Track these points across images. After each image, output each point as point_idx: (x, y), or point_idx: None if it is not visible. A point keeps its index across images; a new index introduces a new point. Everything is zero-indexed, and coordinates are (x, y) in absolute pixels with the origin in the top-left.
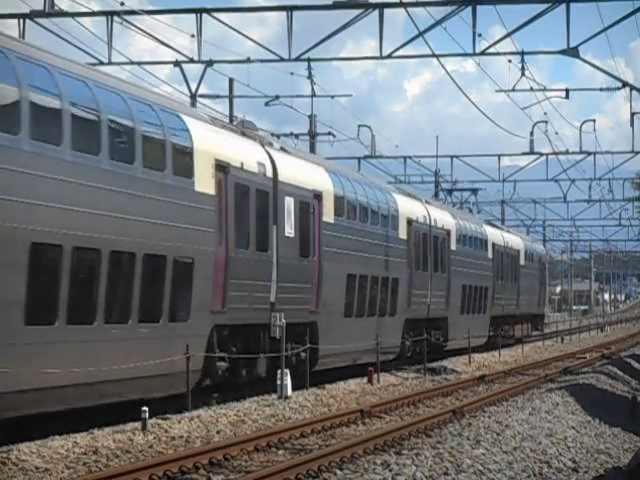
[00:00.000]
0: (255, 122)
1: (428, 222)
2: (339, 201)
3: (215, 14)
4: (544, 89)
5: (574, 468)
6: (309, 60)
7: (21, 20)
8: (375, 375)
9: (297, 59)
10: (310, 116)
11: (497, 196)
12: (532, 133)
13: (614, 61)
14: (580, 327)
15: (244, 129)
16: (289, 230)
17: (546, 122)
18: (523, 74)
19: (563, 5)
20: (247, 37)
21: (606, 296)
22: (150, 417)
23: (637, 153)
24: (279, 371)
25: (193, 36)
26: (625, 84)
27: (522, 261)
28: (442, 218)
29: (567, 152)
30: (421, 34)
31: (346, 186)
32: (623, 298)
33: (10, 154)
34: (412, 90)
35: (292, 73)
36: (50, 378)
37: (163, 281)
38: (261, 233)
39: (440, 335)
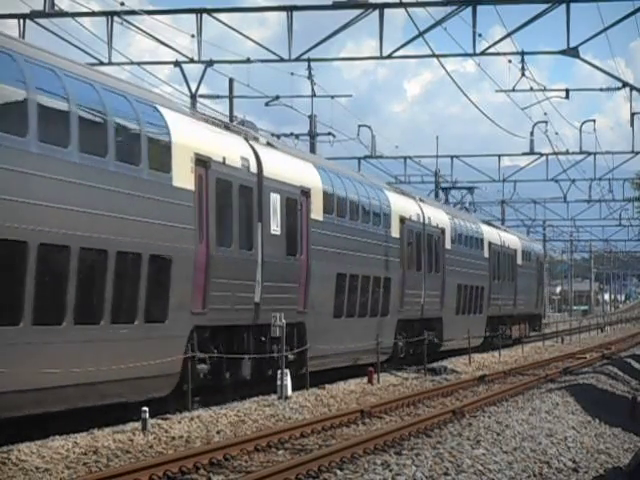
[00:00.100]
0: (255, 122)
1: (422, 220)
2: (328, 198)
3: (215, 14)
4: (544, 89)
5: (574, 468)
6: (309, 60)
7: (21, 20)
8: (375, 375)
9: (297, 59)
10: (310, 116)
11: (497, 196)
12: (532, 133)
13: (614, 61)
14: (580, 327)
15: (227, 123)
16: (275, 228)
17: (546, 122)
18: (523, 74)
19: (563, 5)
20: (247, 37)
21: (606, 296)
22: (150, 417)
23: (637, 153)
24: (279, 371)
25: (193, 36)
26: (625, 84)
27: (519, 260)
28: (436, 216)
29: (567, 152)
30: (421, 34)
31: (336, 183)
32: (623, 298)
33: None
34: (412, 90)
35: (292, 73)
36: (10, 381)
37: (138, 280)
38: (245, 231)
39: (434, 336)
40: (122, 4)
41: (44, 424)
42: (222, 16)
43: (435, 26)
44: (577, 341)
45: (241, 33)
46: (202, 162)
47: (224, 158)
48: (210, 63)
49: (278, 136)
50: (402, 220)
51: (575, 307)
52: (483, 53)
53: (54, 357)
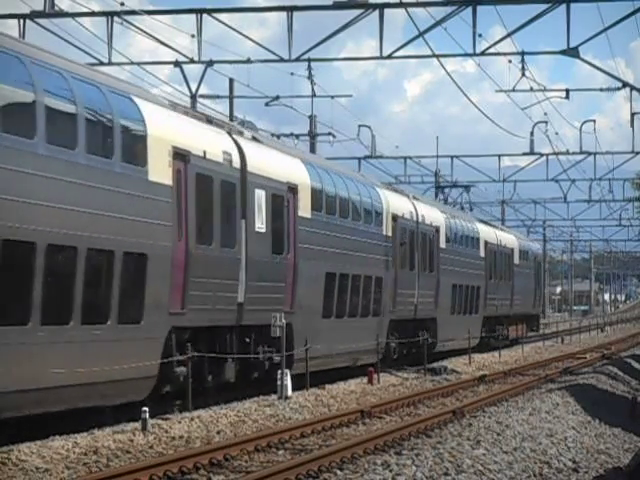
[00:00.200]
0: (255, 122)
1: (415, 218)
2: (317, 195)
3: (215, 14)
4: (544, 89)
5: (574, 468)
6: (309, 60)
7: (21, 20)
8: (375, 375)
9: (297, 59)
10: (310, 116)
11: (497, 196)
12: (532, 133)
13: (614, 61)
14: (580, 327)
15: (210, 117)
16: (260, 225)
17: (546, 122)
18: (523, 74)
19: (563, 5)
20: (247, 37)
21: (606, 296)
22: (150, 417)
23: (637, 153)
24: (279, 371)
25: (193, 36)
26: (625, 84)
27: (516, 260)
28: (430, 215)
29: (567, 152)
30: (421, 34)
31: (325, 179)
32: (623, 298)
33: None
34: (412, 90)
35: (292, 73)
36: None
37: (111, 278)
38: (227, 228)
39: (429, 336)
40: (122, 4)
41: (44, 424)
42: (222, 16)
43: (435, 26)
44: (577, 341)
45: (241, 33)
46: (181, 156)
47: (205, 152)
48: (210, 63)
49: (278, 136)
50: (394, 218)
51: (575, 307)
52: (483, 53)
53: (18, 360)
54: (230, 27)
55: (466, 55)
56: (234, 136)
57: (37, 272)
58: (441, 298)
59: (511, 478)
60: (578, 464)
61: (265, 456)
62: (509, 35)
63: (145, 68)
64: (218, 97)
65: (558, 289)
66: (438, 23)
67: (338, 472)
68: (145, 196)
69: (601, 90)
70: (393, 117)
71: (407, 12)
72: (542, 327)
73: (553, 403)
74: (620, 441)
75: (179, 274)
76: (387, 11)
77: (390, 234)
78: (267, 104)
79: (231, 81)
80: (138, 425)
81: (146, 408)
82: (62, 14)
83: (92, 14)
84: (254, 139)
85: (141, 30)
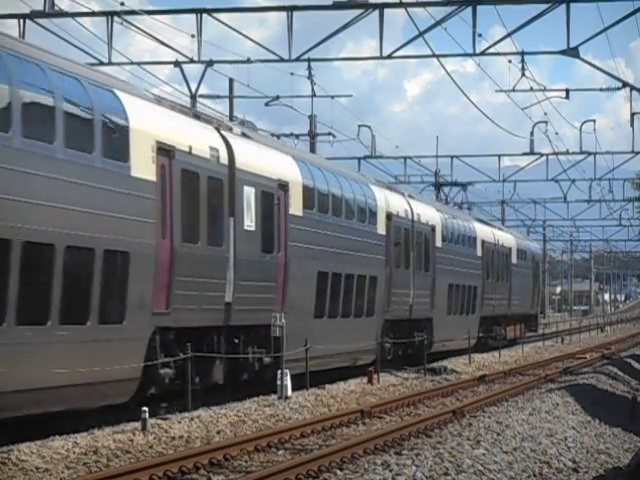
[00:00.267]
0: (255, 122)
1: (410, 217)
2: (309, 192)
3: (215, 14)
4: (544, 89)
5: (574, 468)
6: (309, 60)
7: (21, 20)
8: (375, 375)
9: (297, 59)
10: (310, 116)
11: (497, 196)
12: (532, 133)
13: (614, 61)
14: (580, 327)
15: (198, 112)
16: (249, 223)
17: (546, 122)
18: (523, 74)
19: (563, 5)
20: (247, 37)
21: (606, 296)
22: (150, 417)
23: (637, 153)
24: (279, 371)
25: (193, 36)
26: (625, 84)
27: (514, 259)
28: (426, 213)
29: (567, 152)
30: (421, 34)
31: (317, 176)
32: (623, 298)
33: None
34: (412, 90)
35: (292, 73)
36: None
37: (91, 277)
38: (214, 226)
39: (424, 337)
40: (122, 4)
41: (44, 424)
42: (222, 16)
43: (435, 26)
44: (577, 341)
45: (241, 33)
46: (165, 151)
47: (190, 147)
48: (210, 63)
49: (278, 136)
50: (389, 216)
51: (575, 307)
52: (483, 53)
53: None
54: (230, 27)
55: (466, 55)
56: (222, 132)
57: (13, 271)
58: (437, 298)
59: (511, 478)
60: (578, 464)
61: (265, 456)
62: (509, 35)
63: (145, 68)
64: (218, 97)
65: (558, 289)
66: (438, 23)
67: (338, 472)
68: (127, 192)
69: (601, 90)
70: (393, 117)
71: (407, 12)
72: (542, 327)
73: (553, 403)
74: (620, 441)
75: (163, 273)
76: (387, 11)
77: (384, 233)
78: (267, 104)
79: (231, 81)
80: (138, 425)
81: (146, 408)
82: (62, 14)
83: (92, 14)
84: (244, 135)
85: (141, 30)
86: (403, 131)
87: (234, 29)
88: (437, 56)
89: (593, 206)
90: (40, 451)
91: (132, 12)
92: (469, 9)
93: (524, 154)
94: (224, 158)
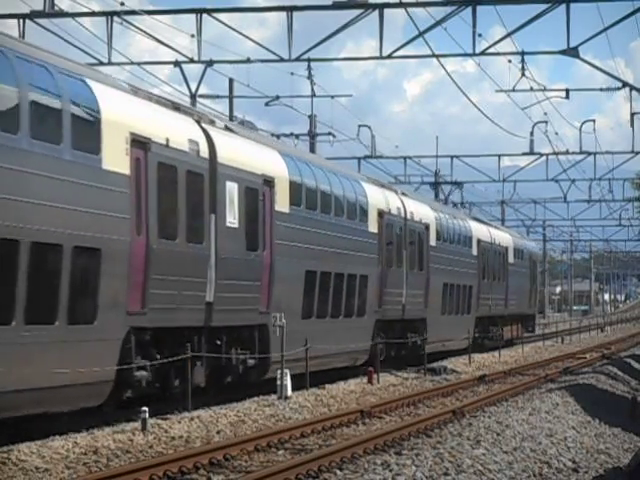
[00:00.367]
0: (255, 122)
1: (403, 215)
2: (296, 188)
3: (215, 14)
4: (544, 89)
5: (574, 468)
6: (309, 60)
7: (21, 20)
8: (375, 375)
9: (297, 59)
10: (310, 116)
11: (497, 196)
12: (532, 133)
13: (614, 61)
14: (580, 327)
15: (177, 104)
16: (232, 220)
17: (546, 122)
18: (523, 74)
19: (563, 5)
20: (247, 37)
21: (606, 296)
22: (150, 417)
23: (637, 153)
24: (279, 371)
25: (193, 36)
26: (625, 84)
27: (511, 259)
28: (420, 211)
29: (567, 152)
30: (421, 34)
31: (304, 172)
32: (623, 298)
33: None
34: (412, 90)
35: (292, 73)
36: None
37: (59, 275)
38: (194, 222)
39: (418, 337)
40: (122, 4)
41: (44, 424)
42: (222, 16)
43: (435, 26)
44: (577, 341)
45: (241, 33)
46: (140, 143)
47: (168, 140)
48: (210, 63)
49: (278, 136)
50: (380, 214)
51: (575, 307)
52: (483, 53)
53: None
54: (230, 27)
55: (466, 55)
56: (203, 124)
57: None
58: (431, 298)
59: (511, 478)
60: (578, 464)
61: (265, 456)
62: (509, 35)
63: (145, 68)
64: (218, 97)
65: (558, 289)
66: (438, 23)
67: (338, 472)
68: (98, 186)
69: (601, 90)
70: (393, 117)
71: (407, 12)
72: (542, 327)
73: (553, 403)
74: (620, 441)
75: (138, 271)
76: (387, 11)
77: (376, 231)
78: (267, 104)
79: (231, 81)
80: (138, 425)
81: (146, 408)
82: (62, 14)
83: (92, 14)
84: (227, 129)
85: (141, 30)
86: (403, 131)
87: (234, 29)
88: (437, 56)
89: (593, 206)
90: (40, 451)
91: (132, 12)
92: (469, 9)
93: (524, 154)
94: (205, 152)
